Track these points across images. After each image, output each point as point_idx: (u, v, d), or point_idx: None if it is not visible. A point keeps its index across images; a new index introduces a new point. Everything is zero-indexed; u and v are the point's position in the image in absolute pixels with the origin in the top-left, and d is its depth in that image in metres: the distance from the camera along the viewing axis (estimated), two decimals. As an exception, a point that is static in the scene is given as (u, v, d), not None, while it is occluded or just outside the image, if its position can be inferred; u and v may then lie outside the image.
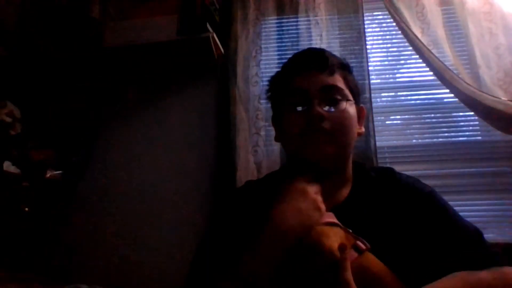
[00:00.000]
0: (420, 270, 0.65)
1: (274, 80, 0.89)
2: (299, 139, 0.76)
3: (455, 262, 0.66)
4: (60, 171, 1.58)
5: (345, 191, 0.80)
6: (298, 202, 0.67)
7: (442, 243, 0.70)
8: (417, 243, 0.70)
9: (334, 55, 0.84)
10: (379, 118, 1.65)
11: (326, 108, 0.76)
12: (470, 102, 1.46)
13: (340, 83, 0.79)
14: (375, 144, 1.49)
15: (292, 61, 0.86)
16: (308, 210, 0.67)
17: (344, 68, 0.83)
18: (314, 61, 0.80)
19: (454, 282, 0.62)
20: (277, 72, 0.90)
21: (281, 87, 0.84)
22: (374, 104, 1.58)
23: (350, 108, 0.78)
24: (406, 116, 1.70)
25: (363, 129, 0.84)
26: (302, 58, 0.84)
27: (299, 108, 0.77)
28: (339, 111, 0.77)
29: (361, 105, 0.86)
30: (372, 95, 1.56)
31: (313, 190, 0.70)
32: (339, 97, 0.78)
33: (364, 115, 0.86)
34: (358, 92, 0.85)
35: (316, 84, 0.77)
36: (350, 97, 0.80)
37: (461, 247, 0.69)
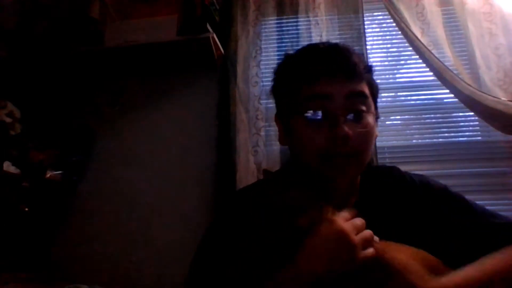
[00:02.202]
0: (450, 263, 0.63)
1: (285, 76, 0.77)
2: (318, 161, 0.68)
3: (488, 249, 0.63)
4: (60, 171, 1.58)
5: (353, 198, 0.76)
6: (331, 245, 0.57)
7: (471, 233, 0.68)
8: (440, 237, 0.67)
9: (359, 55, 0.74)
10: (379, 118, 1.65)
11: (350, 118, 0.68)
12: (470, 102, 1.46)
13: (367, 90, 0.71)
14: (375, 144, 1.49)
15: (312, 59, 0.73)
16: (343, 256, 0.57)
17: (369, 71, 0.75)
18: (342, 64, 0.70)
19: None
20: (288, 66, 0.77)
21: (296, 88, 0.72)
22: (374, 104, 1.58)
23: (373, 120, 0.71)
24: (406, 116, 1.70)
25: (377, 133, 0.76)
26: (325, 58, 0.71)
27: (318, 121, 0.68)
28: (363, 126, 0.69)
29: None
30: (372, 95, 1.56)
31: (352, 228, 0.58)
32: (364, 108, 0.69)
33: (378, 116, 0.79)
34: (378, 95, 0.77)
35: (342, 91, 0.68)
36: (373, 107, 0.73)
37: (492, 233, 0.67)
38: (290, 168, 0.81)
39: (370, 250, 0.58)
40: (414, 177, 0.79)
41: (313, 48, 0.77)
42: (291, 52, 0.79)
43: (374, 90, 0.75)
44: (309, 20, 1.68)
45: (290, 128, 0.73)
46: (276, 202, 0.68)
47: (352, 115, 0.68)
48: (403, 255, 0.61)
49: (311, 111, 0.69)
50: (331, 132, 0.66)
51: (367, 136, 0.69)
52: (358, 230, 0.59)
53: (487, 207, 1.54)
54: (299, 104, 0.70)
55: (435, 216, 0.69)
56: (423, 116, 1.67)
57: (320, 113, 0.68)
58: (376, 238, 0.62)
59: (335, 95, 0.68)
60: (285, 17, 1.75)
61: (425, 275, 0.58)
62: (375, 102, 0.75)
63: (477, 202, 1.55)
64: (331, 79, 0.68)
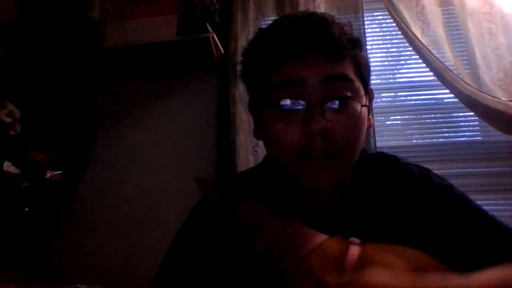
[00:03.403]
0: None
1: (252, 58, 0.63)
2: (293, 161, 0.56)
3: (487, 258, 0.51)
4: (60, 171, 1.58)
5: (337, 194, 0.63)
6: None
7: (468, 237, 0.57)
8: (434, 238, 0.57)
9: (341, 27, 0.58)
10: (379, 118, 1.66)
11: (332, 106, 0.55)
12: (470, 102, 1.46)
13: (350, 72, 0.57)
14: (375, 144, 1.49)
15: (282, 36, 0.58)
16: None
17: (355, 45, 0.59)
18: (317, 41, 0.55)
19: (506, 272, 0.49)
20: (257, 45, 0.63)
21: (263, 73, 0.59)
22: (374, 104, 1.57)
23: (361, 107, 0.57)
24: (406, 116, 1.70)
25: (372, 121, 0.64)
26: (297, 34, 0.56)
27: (291, 113, 0.56)
28: (349, 116, 0.55)
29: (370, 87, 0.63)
30: (372, 95, 1.56)
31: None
32: (348, 93, 0.56)
33: (373, 98, 0.65)
34: (369, 75, 0.62)
35: (318, 74, 0.55)
36: (362, 91, 0.58)
37: (492, 243, 0.56)
38: (262, 167, 0.70)
39: None
40: (416, 170, 0.65)
41: (284, 21, 0.61)
42: (264, 27, 0.64)
43: (363, 69, 0.60)
44: (309, 20, 1.68)
45: (262, 120, 0.61)
46: (230, 218, 0.58)
47: (336, 102, 0.55)
48: (391, 256, 0.52)
49: (283, 101, 0.55)
50: (306, 126, 0.54)
51: (354, 128, 0.56)
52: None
53: (487, 207, 1.54)
54: (268, 93, 0.58)
55: (431, 216, 0.60)
56: (423, 116, 1.67)
57: (294, 103, 0.55)
58: (356, 241, 0.53)
59: (309, 80, 0.54)
60: (285, 17, 1.75)
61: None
62: (365, 85, 0.60)
63: (477, 202, 1.55)
64: (303, 61, 0.55)
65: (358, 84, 0.58)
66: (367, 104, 0.60)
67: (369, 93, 0.63)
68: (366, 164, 0.64)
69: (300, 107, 0.55)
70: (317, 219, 0.57)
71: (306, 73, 0.55)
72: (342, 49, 0.56)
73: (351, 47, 0.58)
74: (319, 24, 0.57)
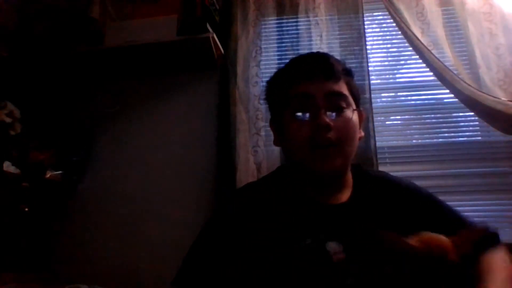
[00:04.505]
0: None
1: (275, 82, 0.88)
2: (306, 150, 0.75)
3: None
4: (60, 171, 1.58)
5: (346, 194, 0.81)
6: None
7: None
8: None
9: (337, 60, 0.84)
10: (379, 118, 1.65)
11: (331, 114, 0.76)
12: (470, 102, 1.46)
13: (345, 90, 0.79)
14: (375, 144, 1.49)
15: (296, 65, 0.84)
16: None
17: (348, 73, 0.83)
18: (320, 67, 0.79)
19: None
20: (278, 74, 0.88)
21: (284, 90, 0.82)
22: (374, 105, 1.58)
23: (354, 116, 0.78)
24: (406, 116, 1.70)
25: (362, 134, 0.85)
26: (307, 63, 0.83)
27: (303, 115, 0.77)
28: (344, 120, 0.77)
29: (361, 108, 0.85)
30: (372, 95, 1.55)
31: None
32: (344, 105, 0.78)
33: (364, 118, 0.87)
34: (359, 97, 0.85)
35: (322, 90, 0.77)
36: (354, 105, 0.80)
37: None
38: (285, 169, 0.88)
39: None
40: (401, 181, 0.86)
41: (298, 57, 0.88)
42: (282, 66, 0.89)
43: (354, 90, 0.82)
44: (309, 20, 1.68)
45: (281, 125, 0.83)
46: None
47: (334, 113, 0.77)
48: None
49: (297, 106, 0.78)
50: (314, 123, 0.75)
51: (348, 127, 0.77)
52: None
53: (487, 207, 1.56)
54: (287, 103, 0.80)
55: (420, 219, 0.76)
56: (423, 116, 1.67)
57: (304, 108, 0.77)
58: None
59: (316, 94, 0.77)
60: (285, 17, 1.75)
61: None
62: (357, 101, 0.82)
63: (477, 202, 1.56)
64: (312, 81, 0.78)
65: (351, 100, 0.80)
66: (360, 120, 0.82)
67: (360, 111, 0.83)
68: (364, 175, 0.85)
69: (305, 114, 0.77)
70: (343, 206, 0.78)
71: (314, 89, 0.77)
72: (338, 74, 0.79)
73: (345, 74, 0.82)
74: (322, 57, 0.84)
